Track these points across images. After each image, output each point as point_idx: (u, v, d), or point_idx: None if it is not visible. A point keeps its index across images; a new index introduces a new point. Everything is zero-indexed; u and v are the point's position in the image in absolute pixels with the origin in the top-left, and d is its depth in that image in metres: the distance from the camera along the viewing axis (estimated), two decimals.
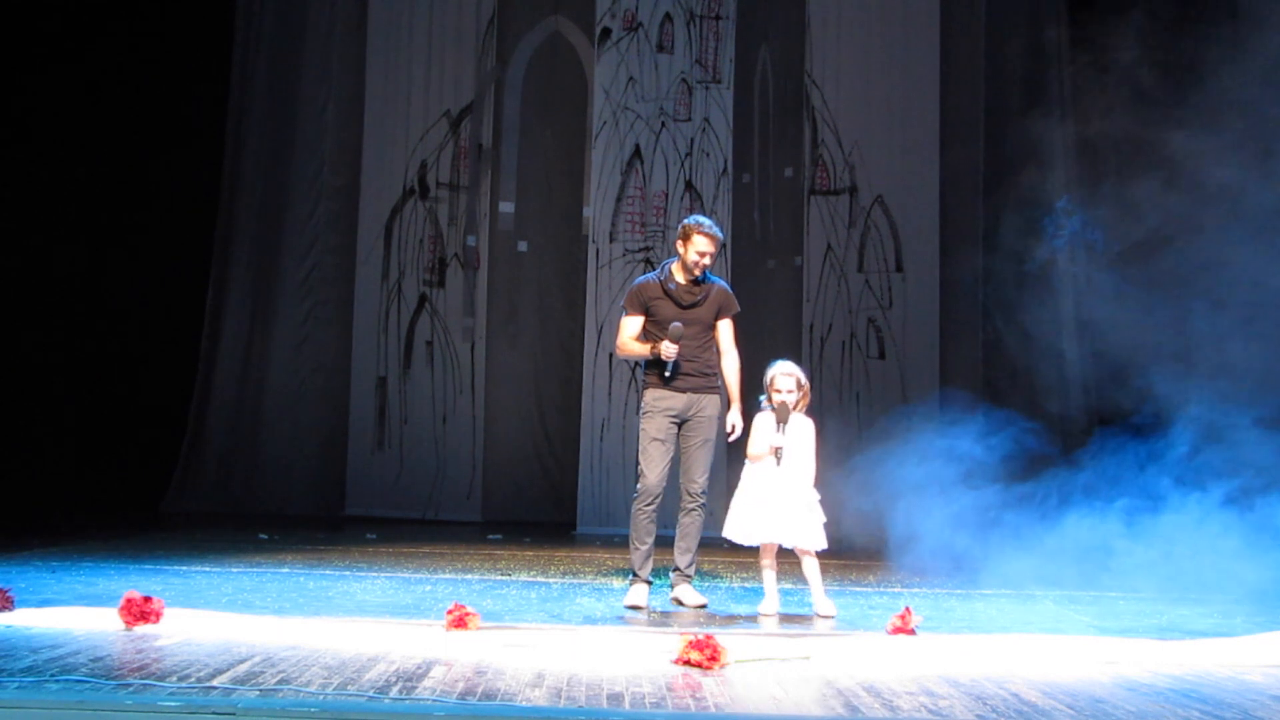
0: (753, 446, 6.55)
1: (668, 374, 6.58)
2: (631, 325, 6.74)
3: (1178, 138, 8.68)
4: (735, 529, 6.53)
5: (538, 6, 13.35)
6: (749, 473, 6.56)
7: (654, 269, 7.18)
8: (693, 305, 6.65)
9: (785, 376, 6.54)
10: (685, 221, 6.66)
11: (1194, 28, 9.17)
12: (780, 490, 6.42)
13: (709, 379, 6.70)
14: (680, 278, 6.67)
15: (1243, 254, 8.24)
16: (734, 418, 6.68)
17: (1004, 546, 7.62)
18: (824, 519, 6.48)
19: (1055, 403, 11.69)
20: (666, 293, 6.65)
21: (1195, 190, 8.63)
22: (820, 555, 6.52)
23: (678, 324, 6.54)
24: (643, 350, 6.66)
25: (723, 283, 6.83)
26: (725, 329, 6.77)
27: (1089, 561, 7.69)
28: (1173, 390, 8.58)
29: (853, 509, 7.75)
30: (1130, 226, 9.36)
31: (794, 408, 6.51)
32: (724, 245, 12.05)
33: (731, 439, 6.73)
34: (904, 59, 12.73)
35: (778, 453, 6.41)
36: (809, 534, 6.43)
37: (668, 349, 6.50)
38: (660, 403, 6.63)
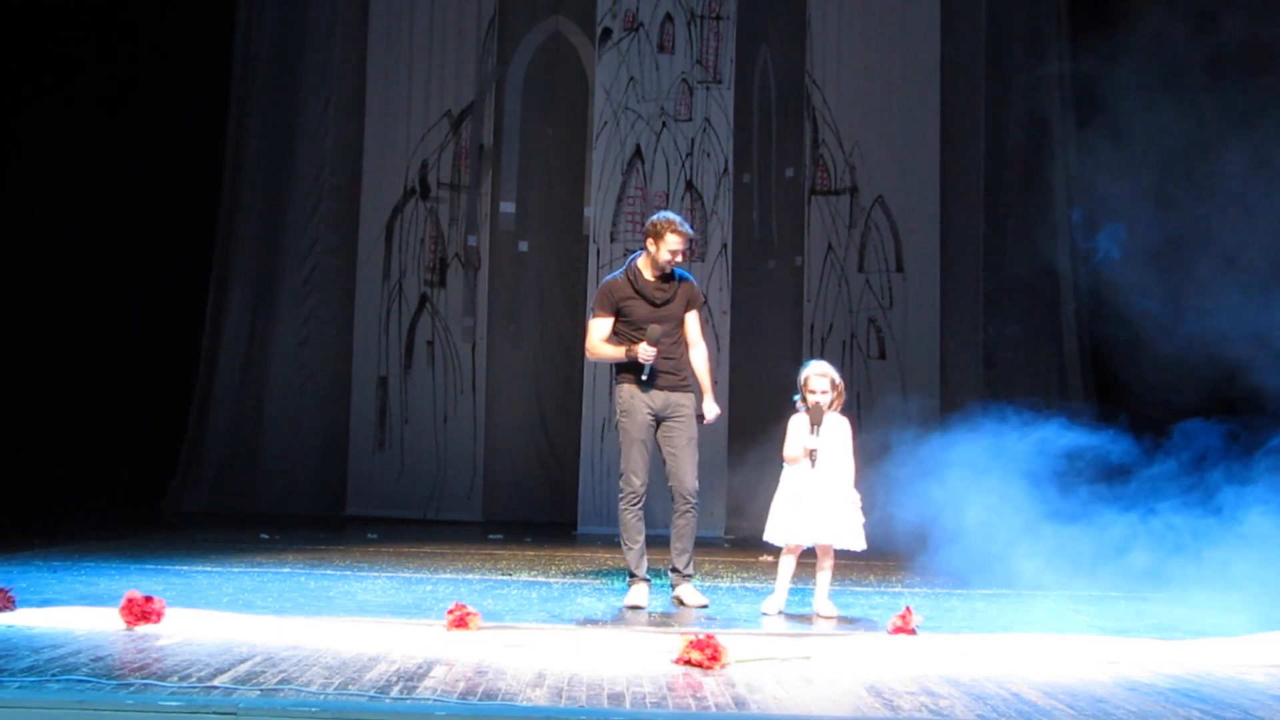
0: (788, 449, 6.50)
1: (645, 377, 6.52)
2: (601, 327, 6.66)
3: (1185, 135, 8.65)
4: (776, 531, 6.48)
5: (538, 6, 13.35)
6: (786, 475, 6.51)
7: None
8: (665, 302, 6.59)
9: (820, 377, 6.46)
10: (655, 218, 6.55)
11: (1199, 26, 9.15)
12: (819, 491, 6.38)
13: (683, 376, 6.66)
14: (649, 275, 6.62)
15: (1256, 254, 8.20)
16: (709, 405, 6.65)
17: (1029, 548, 7.53)
18: (863, 519, 6.46)
19: (1056, 404, 11.66)
20: (637, 291, 6.59)
21: (1203, 190, 8.59)
22: (850, 556, 6.49)
23: (656, 326, 6.48)
24: (617, 353, 6.59)
25: (689, 276, 6.81)
26: (692, 321, 6.72)
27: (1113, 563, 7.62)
28: (1176, 390, 8.55)
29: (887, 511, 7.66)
30: (1132, 226, 9.33)
31: (829, 408, 6.47)
32: (724, 245, 12.14)
33: (708, 422, 6.70)
34: (904, 59, 12.73)
35: (812, 455, 6.36)
36: (849, 534, 6.40)
37: (645, 352, 6.43)
38: (638, 400, 6.57)
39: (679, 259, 6.56)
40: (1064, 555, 7.38)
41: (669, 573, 6.81)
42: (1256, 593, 6.64)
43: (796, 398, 6.55)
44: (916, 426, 8.24)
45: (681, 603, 6.66)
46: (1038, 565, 7.32)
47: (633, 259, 6.70)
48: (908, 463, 7.61)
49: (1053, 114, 12.84)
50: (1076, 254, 12.63)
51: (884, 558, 8.77)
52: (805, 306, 12.58)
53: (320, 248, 13.26)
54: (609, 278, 6.80)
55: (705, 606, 6.60)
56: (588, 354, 6.95)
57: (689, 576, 6.74)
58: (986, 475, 7.32)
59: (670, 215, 6.57)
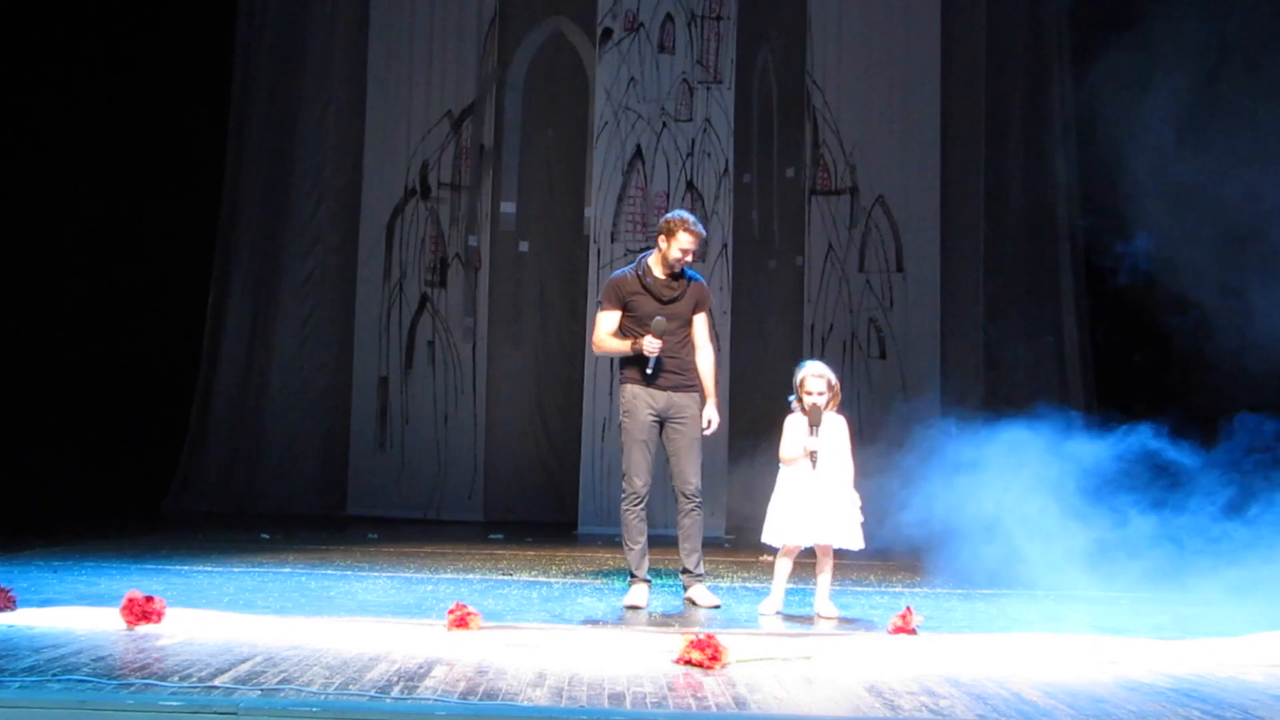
0: (786, 450, 6.47)
1: (649, 371, 6.51)
2: (608, 321, 6.64)
3: (1185, 138, 8.65)
4: (774, 533, 6.46)
5: (539, 7, 13.36)
6: (784, 476, 6.49)
7: None
8: (672, 300, 6.56)
9: (816, 378, 6.44)
10: (669, 216, 6.55)
11: (1200, 26, 9.16)
12: (820, 492, 6.36)
13: (688, 376, 6.63)
14: (659, 272, 6.60)
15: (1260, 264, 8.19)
16: (710, 412, 6.64)
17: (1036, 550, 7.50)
18: (862, 519, 6.45)
19: (1056, 404, 11.66)
20: (645, 287, 6.56)
21: (1204, 188, 8.59)
22: (848, 556, 6.48)
23: (660, 318, 6.47)
24: (622, 347, 6.57)
25: (700, 277, 6.79)
26: (700, 323, 6.71)
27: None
28: (1178, 391, 8.54)
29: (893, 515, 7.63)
30: (1135, 228, 9.34)
31: (825, 408, 6.45)
32: (725, 245, 12.14)
33: (708, 433, 6.70)
34: (905, 59, 12.73)
35: (813, 456, 6.34)
36: (849, 534, 6.39)
37: (650, 344, 6.43)
38: (640, 401, 6.56)
39: (689, 258, 6.55)
40: (1073, 557, 7.38)
41: (680, 574, 6.79)
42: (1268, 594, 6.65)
43: (792, 398, 6.54)
44: (917, 427, 8.22)
45: (694, 604, 6.63)
46: (1045, 567, 7.32)
47: (644, 256, 6.69)
48: (911, 463, 7.61)
49: (1055, 114, 12.85)
50: (1078, 256, 12.64)
51: (888, 558, 8.77)
52: (806, 307, 12.58)
53: (321, 248, 13.27)
54: (617, 273, 6.79)
55: (718, 607, 6.57)
56: (594, 347, 6.94)
57: (700, 577, 6.71)
58: (987, 476, 7.32)
59: (684, 214, 6.56)
